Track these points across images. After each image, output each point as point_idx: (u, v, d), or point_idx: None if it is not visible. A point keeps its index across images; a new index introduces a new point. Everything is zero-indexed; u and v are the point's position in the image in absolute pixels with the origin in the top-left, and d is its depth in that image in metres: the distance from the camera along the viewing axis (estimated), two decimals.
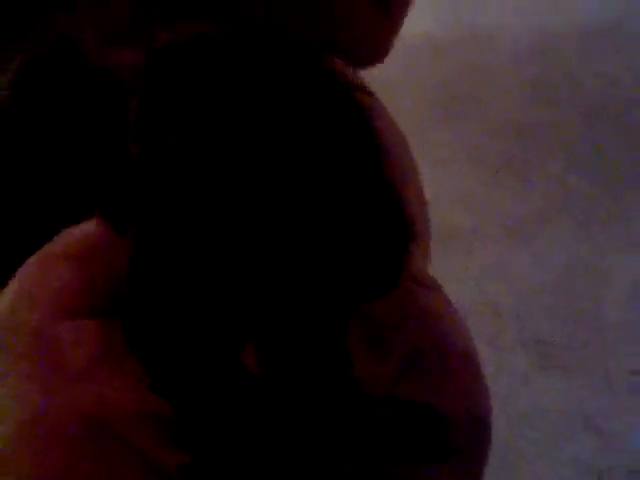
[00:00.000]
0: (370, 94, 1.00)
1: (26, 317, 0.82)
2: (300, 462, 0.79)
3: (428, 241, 0.96)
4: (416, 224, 0.92)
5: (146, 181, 0.86)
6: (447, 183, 2.20)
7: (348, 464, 0.80)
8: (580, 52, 2.65)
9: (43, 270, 0.85)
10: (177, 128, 0.88)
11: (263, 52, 0.91)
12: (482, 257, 2.04)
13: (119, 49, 0.95)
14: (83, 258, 0.84)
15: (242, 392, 0.80)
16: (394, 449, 0.81)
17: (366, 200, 0.89)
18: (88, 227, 0.86)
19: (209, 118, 0.87)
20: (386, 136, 0.95)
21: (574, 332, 1.89)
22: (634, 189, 2.24)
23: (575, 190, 2.23)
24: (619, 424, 1.70)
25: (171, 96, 0.89)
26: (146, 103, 0.89)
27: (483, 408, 0.87)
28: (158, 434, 0.77)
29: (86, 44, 0.97)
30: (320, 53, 0.95)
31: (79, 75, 0.93)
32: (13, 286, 0.86)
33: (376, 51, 1.12)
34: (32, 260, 0.87)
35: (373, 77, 1.08)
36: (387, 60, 1.14)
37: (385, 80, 1.13)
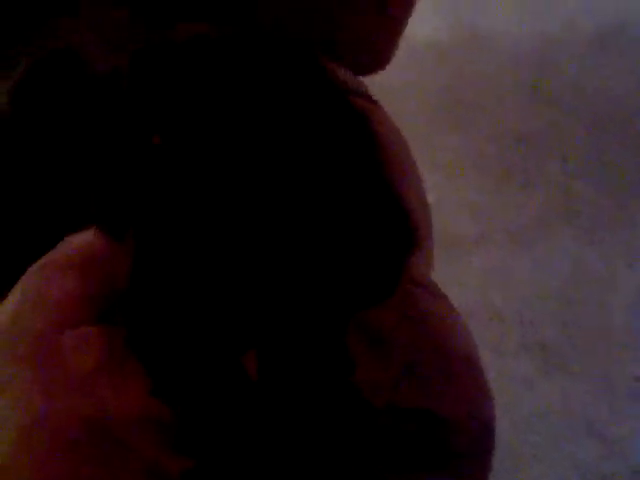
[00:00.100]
0: (371, 100, 1.00)
1: (29, 324, 0.82)
2: (301, 469, 0.79)
3: (431, 246, 0.96)
4: (419, 230, 0.92)
5: (145, 180, 0.86)
6: (449, 189, 2.20)
7: (349, 472, 0.80)
8: (583, 57, 2.65)
9: (45, 278, 0.85)
10: (170, 129, 0.88)
11: (262, 54, 0.91)
12: (485, 263, 2.04)
13: (120, 53, 0.95)
14: (84, 266, 0.84)
15: (243, 397, 0.80)
16: (394, 456, 0.81)
17: (368, 206, 0.89)
18: (89, 235, 0.86)
19: (204, 120, 0.87)
20: (387, 142, 0.95)
21: (578, 338, 1.89)
22: (639, 196, 2.23)
23: (579, 196, 2.23)
24: (622, 430, 1.70)
25: (163, 96, 0.88)
26: (131, 104, 0.89)
27: (486, 413, 0.87)
28: (160, 439, 0.77)
29: (88, 49, 0.97)
30: (321, 58, 0.95)
31: (81, 81, 0.93)
32: (15, 294, 0.86)
33: (378, 57, 1.12)
34: (34, 269, 0.87)
35: (375, 82, 1.08)
36: (389, 65, 1.13)
37: (387, 85, 1.13)
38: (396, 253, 0.89)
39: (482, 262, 2.03)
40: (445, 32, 2.71)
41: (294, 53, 0.92)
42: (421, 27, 2.31)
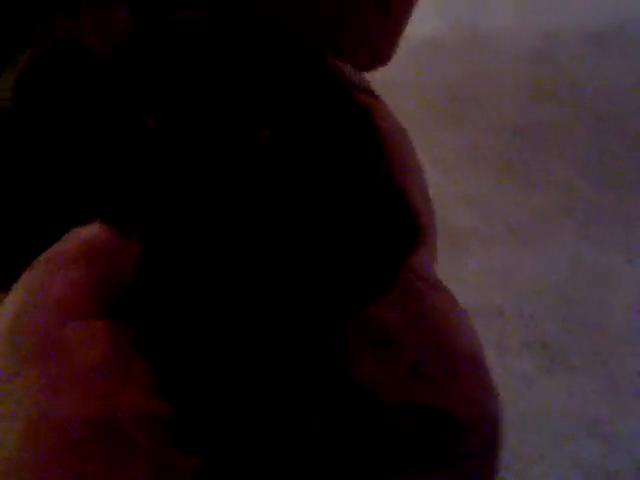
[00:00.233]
0: (374, 95, 1.00)
1: (34, 318, 0.82)
2: (306, 466, 0.79)
3: (434, 242, 0.96)
4: (422, 225, 0.92)
5: (145, 167, 0.86)
6: (449, 184, 2.19)
7: (354, 470, 0.80)
8: (583, 55, 2.64)
9: (49, 272, 0.85)
10: (164, 112, 0.87)
11: (264, 42, 0.91)
12: (484, 259, 2.03)
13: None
14: (90, 259, 0.84)
15: (248, 395, 0.79)
16: (401, 455, 0.80)
17: (371, 200, 0.89)
18: (94, 228, 0.86)
19: (200, 107, 0.87)
20: (390, 137, 0.95)
21: (579, 334, 1.88)
22: (638, 193, 2.23)
23: (578, 193, 2.23)
24: (625, 427, 1.69)
25: (157, 79, 0.88)
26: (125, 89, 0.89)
27: (494, 412, 0.87)
28: (166, 435, 0.76)
29: (88, 45, 0.97)
30: (322, 51, 0.95)
31: (83, 76, 0.93)
32: (20, 288, 0.85)
33: (379, 54, 1.12)
34: (39, 262, 0.86)
35: (374, 79, 1.07)
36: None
37: (387, 82, 1.12)
38: (398, 247, 0.89)
39: (481, 258, 2.02)
40: (445, 30, 2.70)
41: (298, 45, 0.91)
42: (421, 25, 2.30)
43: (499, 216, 2.14)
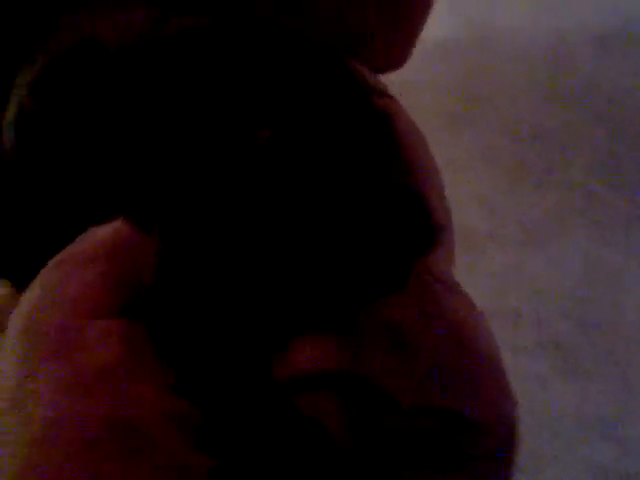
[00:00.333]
0: (391, 97, 1.00)
1: (50, 318, 0.82)
2: (323, 467, 0.79)
3: (452, 245, 0.96)
4: (439, 227, 0.92)
5: (169, 175, 0.86)
6: (462, 185, 2.19)
7: (372, 472, 0.80)
8: (599, 55, 2.64)
9: (67, 271, 0.84)
10: (178, 126, 0.87)
11: (283, 48, 0.91)
12: (499, 260, 2.03)
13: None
14: (108, 258, 0.84)
15: (266, 397, 0.79)
16: (417, 458, 0.80)
17: (389, 201, 0.89)
18: (113, 227, 0.86)
19: (223, 114, 0.87)
20: (407, 138, 0.95)
21: (593, 336, 1.88)
22: None
23: (593, 195, 2.22)
24: (638, 429, 1.69)
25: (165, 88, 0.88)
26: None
27: (509, 414, 0.87)
28: (184, 435, 0.76)
29: (106, 45, 0.97)
30: (343, 56, 0.95)
31: (104, 76, 0.93)
32: (35, 288, 0.85)
33: (395, 56, 1.12)
34: (55, 261, 0.86)
35: (387, 80, 1.07)
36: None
37: (399, 81, 1.12)
38: (412, 248, 0.89)
39: (496, 259, 2.02)
40: (458, 30, 2.70)
41: (317, 50, 0.91)
42: (434, 25, 2.30)
43: (512, 217, 2.14)
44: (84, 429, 0.76)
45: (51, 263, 0.87)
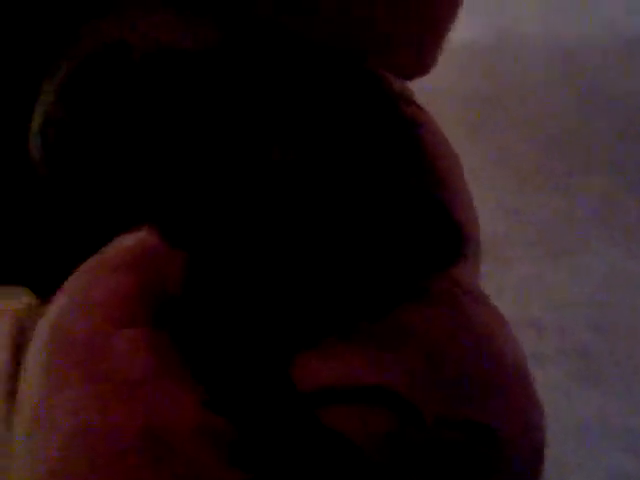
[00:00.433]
0: (418, 106, 1.00)
1: (76, 327, 0.82)
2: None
3: (479, 256, 0.95)
4: (466, 238, 0.92)
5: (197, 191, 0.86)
6: (483, 193, 2.18)
7: None
8: (619, 59, 2.63)
9: (93, 280, 0.84)
10: (209, 138, 0.87)
11: (315, 60, 0.91)
12: (520, 269, 2.03)
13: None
14: (134, 267, 0.83)
15: (291, 409, 0.79)
16: (447, 471, 0.80)
17: (416, 211, 0.89)
18: (139, 236, 0.86)
19: (245, 127, 0.87)
20: (435, 148, 0.95)
21: (615, 345, 1.87)
22: None
23: (615, 202, 2.21)
24: None
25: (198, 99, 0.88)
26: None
27: (537, 425, 0.86)
28: (216, 449, 0.75)
29: (133, 50, 0.97)
30: (373, 65, 0.94)
31: (128, 81, 0.92)
32: (63, 296, 0.85)
33: (421, 63, 1.11)
34: (81, 270, 0.86)
35: (412, 83, 1.07)
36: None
37: (418, 87, 1.12)
38: (439, 258, 0.88)
39: (516, 268, 2.02)
40: (477, 33, 2.70)
41: (348, 60, 0.91)
42: (457, 30, 2.30)
43: (536, 226, 2.13)
44: (112, 440, 0.75)
45: (77, 272, 0.86)
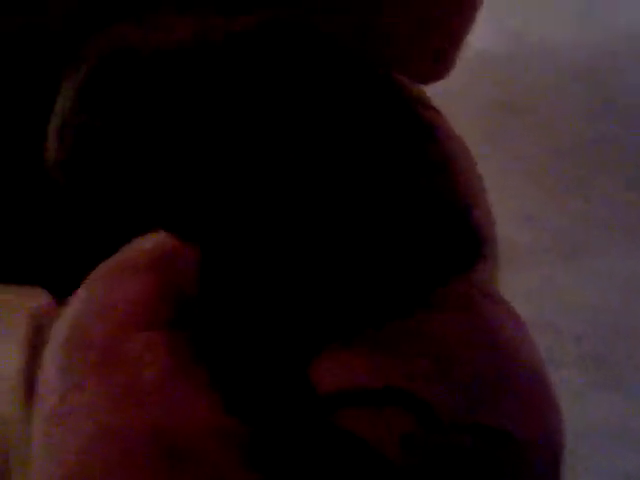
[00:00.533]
0: (436, 111, 1.00)
1: (94, 329, 0.82)
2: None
3: (497, 260, 0.95)
4: (485, 241, 0.91)
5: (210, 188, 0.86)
6: (500, 199, 2.18)
7: None
8: (629, 65, 2.62)
9: (111, 282, 0.84)
10: (222, 137, 0.87)
11: (325, 58, 0.91)
12: (537, 273, 2.02)
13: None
14: (151, 269, 0.83)
15: (310, 412, 0.78)
16: (464, 477, 0.79)
17: (433, 217, 0.88)
18: (156, 238, 0.86)
19: (270, 125, 0.87)
20: (454, 153, 0.95)
21: (632, 350, 1.87)
22: None
23: (633, 208, 2.21)
24: None
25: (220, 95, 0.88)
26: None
27: (556, 429, 0.86)
28: (232, 451, 0.75)
29: (145, 55, 0.97)
30: (391, 69, 0.94)
31: (141, 85, 0.93)
32: (80, 298, 0.85)
33: (439, 68, 1.11)
34: (99, 272, 0.86)
35: (425, 89, 1.07)
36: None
37: (433, 94, 1.12)
38: (457, 261, 0.88)
39: (534, 273, 2.01)
40: (495, 41, 2.69)
41: (367, 64, 0.91)
42: (472, 37, 2.30)
43: (551, 231, 2.13)
44: (131, 442, 0.75)
45: (95, 274, 0.86)
